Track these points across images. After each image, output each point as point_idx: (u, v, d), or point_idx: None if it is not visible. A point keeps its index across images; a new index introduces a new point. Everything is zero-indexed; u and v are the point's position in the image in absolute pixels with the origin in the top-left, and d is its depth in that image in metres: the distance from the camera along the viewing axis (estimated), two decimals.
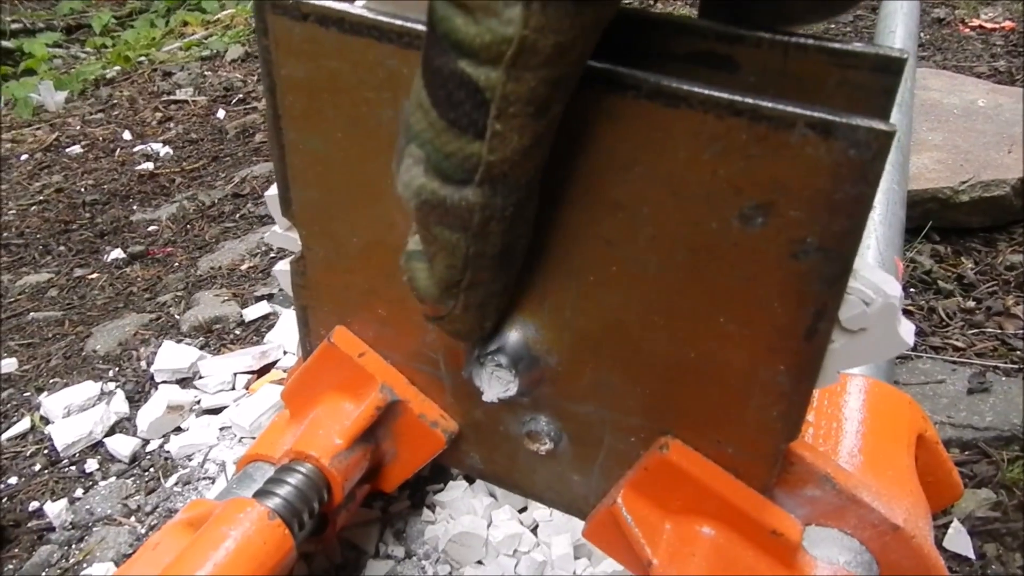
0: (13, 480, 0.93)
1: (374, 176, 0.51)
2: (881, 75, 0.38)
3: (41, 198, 1.77)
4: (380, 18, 0.44)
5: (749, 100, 0.37)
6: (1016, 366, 0.96)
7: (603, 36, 0.38)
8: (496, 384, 0.52)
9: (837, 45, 0.39)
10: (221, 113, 2.15)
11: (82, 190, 1.78)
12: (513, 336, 0.52)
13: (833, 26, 2.24)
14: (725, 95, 0.38)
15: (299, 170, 0.54)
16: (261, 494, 0.59)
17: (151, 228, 1.56)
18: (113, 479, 0.92)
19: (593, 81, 0.40)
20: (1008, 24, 2.09)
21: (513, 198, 0.38)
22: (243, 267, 1.35)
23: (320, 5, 0.46)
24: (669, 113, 0.39)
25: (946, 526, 0.76)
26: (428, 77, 0.35)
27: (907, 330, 0.44)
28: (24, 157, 2.01)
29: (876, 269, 0.43)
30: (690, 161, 0.40)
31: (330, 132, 0.51)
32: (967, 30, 2.11)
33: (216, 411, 1.00)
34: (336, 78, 0.48)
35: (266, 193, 0.60)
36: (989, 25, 2.11)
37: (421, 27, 0.43)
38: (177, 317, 1.22)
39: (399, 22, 0.44)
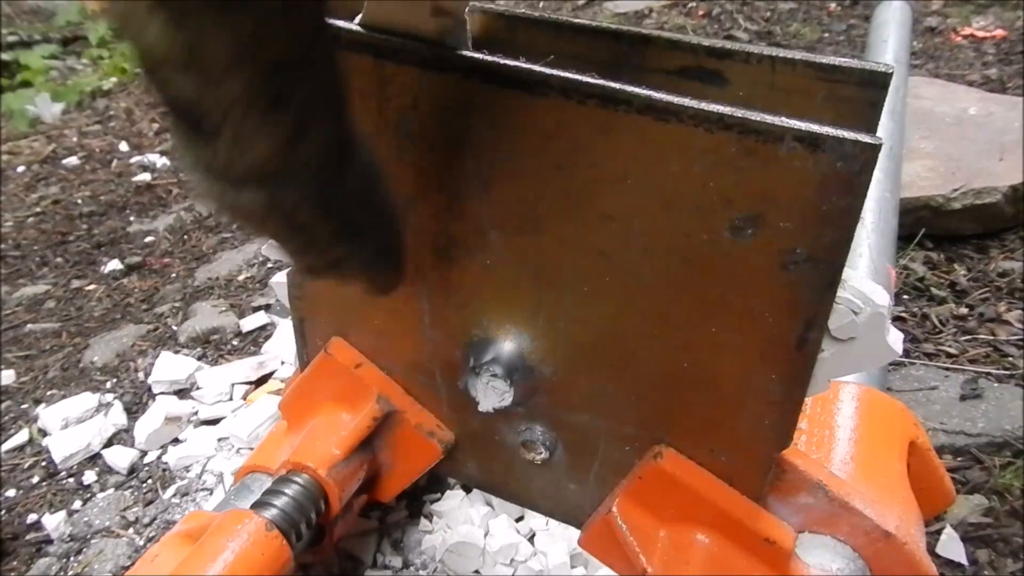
0: (11, 492, 0.93)
1: None
2: (867, 89, 0.39)
3: (38, 210, 1.77)
4: (374, 36, 0.45)
5: (738, 114, 0.38)
6: (1008, 372, 0.97)
7: (594, 51, 0.39)
8: (492, 394, 0.52)
9: (824, 60, 0.40)
10: None
11: (79, 202, 1.79)
12: (508, 347, 0.52)
13: (827, 34, 2.26)
14: (714, 109, 0.38)
15: None
16: (259, 505, 0.59)
17: (148, 239, 1.56)
18: (111, 491, 0.92)
19: (586, 97, 0.40)
20: (999, 32, 2.11)
21: (301, 191, 0.33)
22: (240, 278, 1.36)
23: None
24: (660, 127, 0.40)
25: (939, 532, 0.77)
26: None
27: (895, 339, 0.44)
28: (21, 169, 2.02)
29: (865, 279, 0.44)
30: (681, 174, 0.41)
31: None
32: (959, 39, 2.12)
33: (214, 422, 1.00)
34: None
35: None
36: (981, 34, 2.13)
37: (410, 43, 0.44)
38: (175, 328, 1.22)
39: (389, 40, 0.45)
